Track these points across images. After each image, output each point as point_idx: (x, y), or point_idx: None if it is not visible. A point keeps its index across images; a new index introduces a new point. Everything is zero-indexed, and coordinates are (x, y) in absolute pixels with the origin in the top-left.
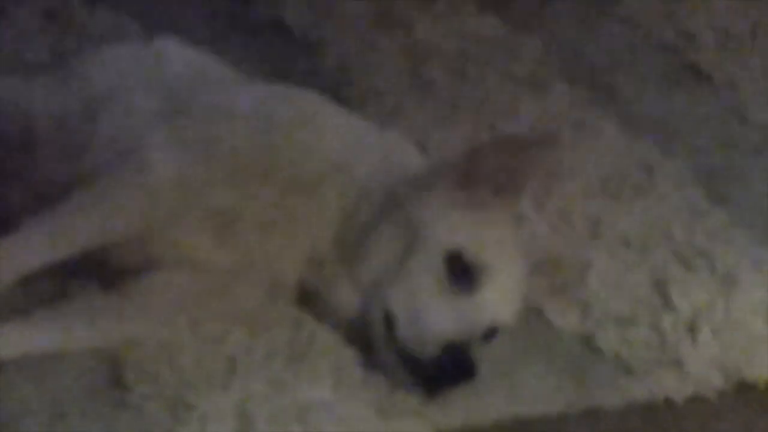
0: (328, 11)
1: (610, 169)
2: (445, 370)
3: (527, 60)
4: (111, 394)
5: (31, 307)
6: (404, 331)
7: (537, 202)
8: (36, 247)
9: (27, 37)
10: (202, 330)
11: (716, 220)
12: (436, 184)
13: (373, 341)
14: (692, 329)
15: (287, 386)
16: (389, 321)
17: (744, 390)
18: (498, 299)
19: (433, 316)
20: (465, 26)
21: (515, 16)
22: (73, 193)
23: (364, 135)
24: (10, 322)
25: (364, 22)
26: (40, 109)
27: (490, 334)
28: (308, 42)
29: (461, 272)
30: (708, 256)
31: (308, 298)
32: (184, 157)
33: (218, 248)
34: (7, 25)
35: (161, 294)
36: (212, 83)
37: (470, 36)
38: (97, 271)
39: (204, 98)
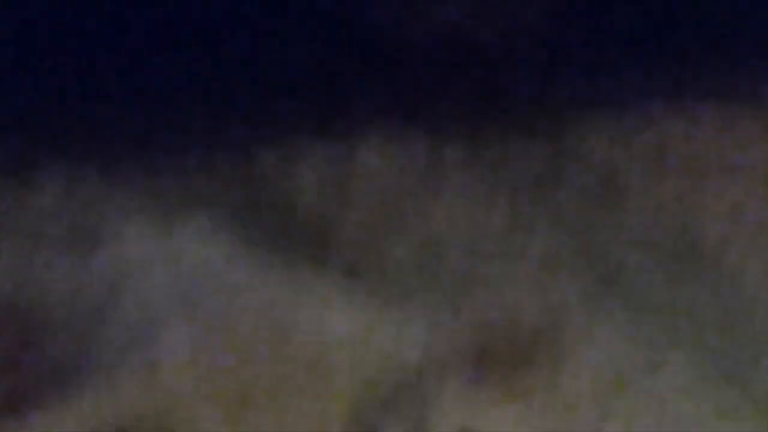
0: (341, 190)
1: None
2: None
3: (535, 254)
4: None
5: None
6: None
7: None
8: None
9: (47, 213)
10: None
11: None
12: (445, 367)
13: None
14: None
15: None
16: None
17: None
18: None
19: None
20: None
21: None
22: (85, 377)
23: (374, 318)
24: None
25: (375, 212)
26: (57, 287)
27: None
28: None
29: None
30: None
31: None
32: (199, 347)
33: (230, 427)
34: (28, 202)
35: None
36: (224, 274)
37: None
38: None
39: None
